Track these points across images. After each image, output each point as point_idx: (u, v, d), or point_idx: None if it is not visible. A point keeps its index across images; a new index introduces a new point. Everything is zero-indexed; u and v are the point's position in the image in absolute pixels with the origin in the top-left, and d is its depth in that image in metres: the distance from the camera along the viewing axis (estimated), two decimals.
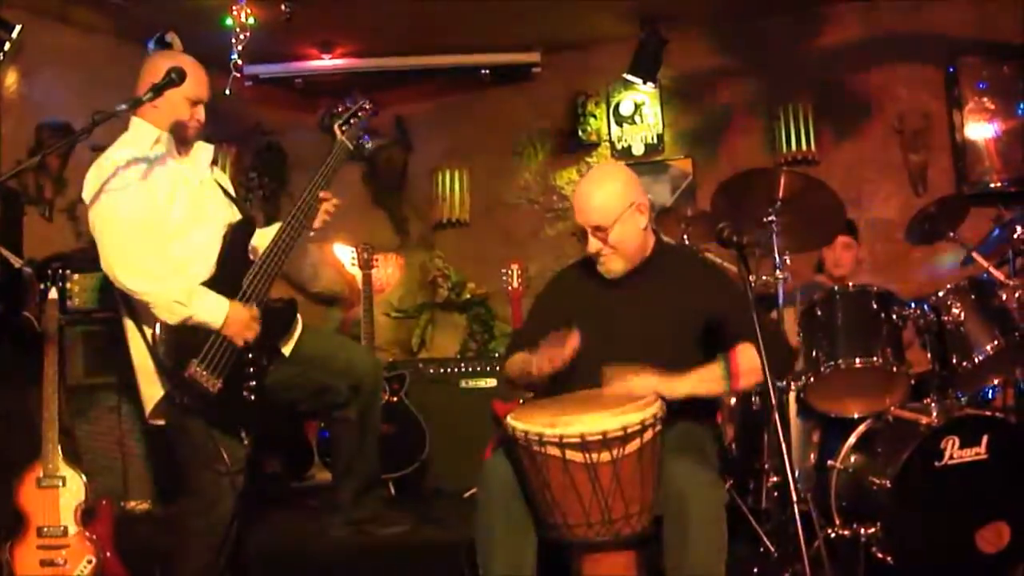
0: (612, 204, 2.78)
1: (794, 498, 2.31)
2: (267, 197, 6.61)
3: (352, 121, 3.46)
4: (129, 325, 3.04)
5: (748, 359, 2.63)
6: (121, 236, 2.89)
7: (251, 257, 3.14)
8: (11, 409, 3.88)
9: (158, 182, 2.97)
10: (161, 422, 3.08)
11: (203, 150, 3.19)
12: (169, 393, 2.97)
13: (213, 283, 2.98)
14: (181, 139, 3.09)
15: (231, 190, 3.32)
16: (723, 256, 4.15)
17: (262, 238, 3.21)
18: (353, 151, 3.45)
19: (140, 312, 2.97)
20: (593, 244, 2.81)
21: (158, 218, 2.95)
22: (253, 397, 3.02)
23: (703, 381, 2.67)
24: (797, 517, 2.28)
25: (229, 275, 3.03)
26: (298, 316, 3.27)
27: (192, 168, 3.12)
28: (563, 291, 3.05)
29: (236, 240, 3.11)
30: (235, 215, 3.20)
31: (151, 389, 3.02)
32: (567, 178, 6.62)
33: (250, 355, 3.02)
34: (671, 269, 2.90)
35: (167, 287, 2.88)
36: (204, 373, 2.91)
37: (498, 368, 5.10)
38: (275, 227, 3.24)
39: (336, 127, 3.44)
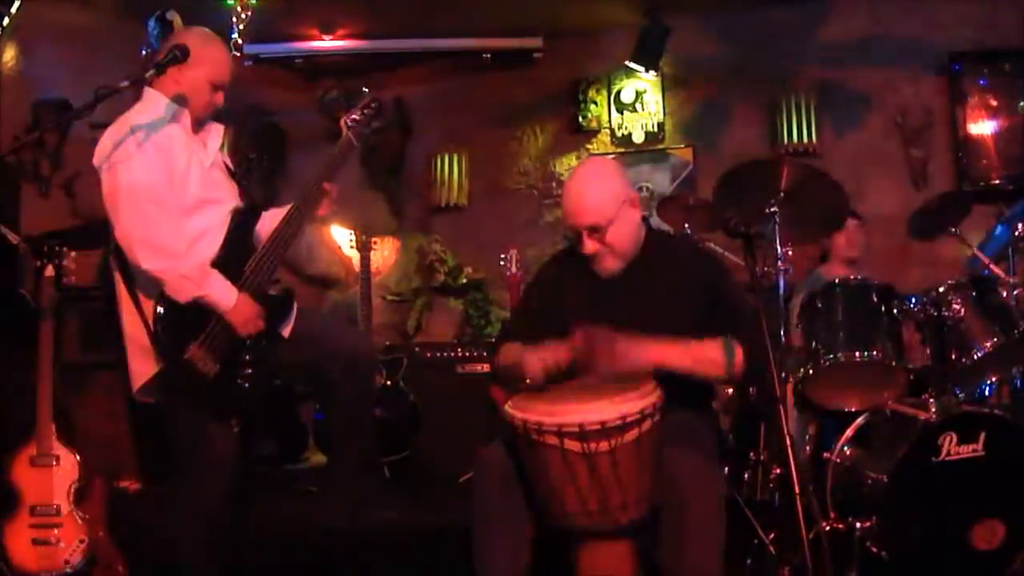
0: (606, 203, 2.69)
1: (796, 490, 2.31)
2: (265, 178, 6.58)
3: (358, 117, 3.42)
4: (124, 296, 2.95)
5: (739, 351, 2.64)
6: (141, 206, 2.79)
7: (255, 244, 3.08)
8: (5, 386, 3.87)
9: (177, 154, 2.90)
10: (149, 400, 3.01)
11: (215, 131, 3.13)
12: (162, 372, 2.92)
13: (215, 267, 2.91)
14: (196, 120, 3.04)
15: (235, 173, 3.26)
16: (728, 247, 4.14)
17: (264, 222, 3.17)
18: (358, 148, 3.41)
19: (143, 286, 2.89)
20: (589, 246, 2.73)
21: (177, 190, 2.88)
22: (247, 385, 2.97)
23: (686, 357, 2.63)
24: (799, 509, 2.28)
25: (231, 260, 2.96)
26: (295, 302, 3.24)
27: (203, 148, 3.06)
28: (554, 284, 2.97)
29: (241, 225, 3.05)
30: (238, 199, 3.13)
31: (143, 365, 2.95)
32: (567, 164, 6.60)
33: (247, 342, 2.96)
34: (664, 259, 2.84)
35: (182, 264, 2.81)
36: (203, 356, 2.86)
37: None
38: (276, 211, 3.21)
39: (343, 123, 3.40)
